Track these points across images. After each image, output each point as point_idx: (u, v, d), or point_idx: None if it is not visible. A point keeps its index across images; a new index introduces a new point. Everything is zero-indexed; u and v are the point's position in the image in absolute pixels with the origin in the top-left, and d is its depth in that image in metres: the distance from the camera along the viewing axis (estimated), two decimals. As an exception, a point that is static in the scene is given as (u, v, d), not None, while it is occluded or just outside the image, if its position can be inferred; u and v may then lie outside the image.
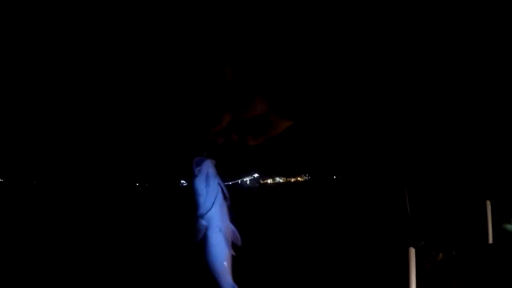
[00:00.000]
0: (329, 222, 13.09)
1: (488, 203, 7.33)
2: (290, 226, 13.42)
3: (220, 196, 0.78)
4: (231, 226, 0.79)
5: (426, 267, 5.44)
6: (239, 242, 0.79)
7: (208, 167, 0.79)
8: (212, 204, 0.77)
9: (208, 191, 0.77)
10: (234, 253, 0.79)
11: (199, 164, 0.78)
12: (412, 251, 4.07)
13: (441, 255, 6.03)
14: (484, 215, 7.18)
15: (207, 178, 0.77)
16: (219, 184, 0.79)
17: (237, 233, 0.79)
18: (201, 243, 0.78)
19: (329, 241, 9.05)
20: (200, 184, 0.77)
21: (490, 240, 7.04)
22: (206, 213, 0.76)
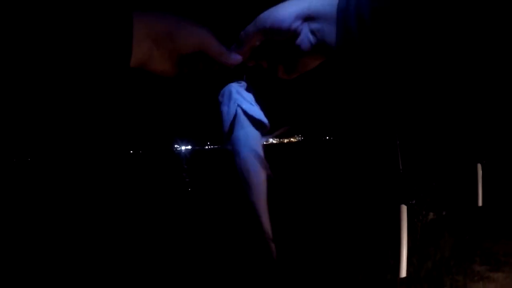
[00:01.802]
0: (323, 182, 13.23)
1: (479, 166, 7.39)
2: (284, 186, 13.52)
3: (243, 118, 0.72)
4: (257, 153, 0.71)
5: (417, 225, 5.53)
6: (267, 170, 0.72)
7: (230, 90, 0.73)
8: (230, 127, 0.72)
9: (228, 114, 0.72)
10: (269, 175, 0.72)
11: (224, 89, 0.74)
12: (404, 209, 4.10)
13: (431, 214, 6.13)
14: (475, 178, 7.25)
15: (228, 100, 0.73)
16: (239, 106, 0.72)
17: (264, 161, 0.71)
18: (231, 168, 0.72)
19: (323, 201, 9.15)
20: (222, 108, 0.73)
21: (480, 203, 7.15)
22: (227, 137, 0.72)
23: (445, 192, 7.29)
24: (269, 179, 0.72)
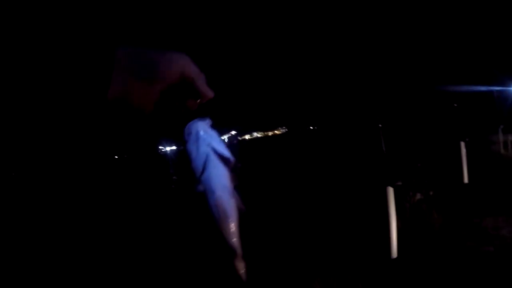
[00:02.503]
0: (310, 169, 13.25)
1: (463, 144, 7.47)
2: (271, 178, 13.53)
3: (214, 157, 0.74)
4: (230, 190, 0.75)
5: (405, 206, 5.53)
6: (241, 206, 0.76)
7: (197, 129, 0.76)
8: (203, 168, 0.73)
9: (198, 154, 0.74)
10: (242, 210, 0.76)
11: (190, 128, 0.76)
12: (390, 190, 4.09)
13: (419, 195, 6.15)
14: (459, 156, 7.33)
15: (196, 141, 0.75)
16: (209, 145, 0.74)
17: (237, 196, 0.75)
18: (204, 208, 0.75)
19: (311, 187, 9.14)
20: (190, 148, 0.75)
21: (466, 180, 7.23)
22: (200, 176, 0.74)
23: (431, 172, 7.34)
24: (241, 212, 0.75)
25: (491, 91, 15.71)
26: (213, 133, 0.76)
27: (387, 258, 3.97)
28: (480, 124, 15.32)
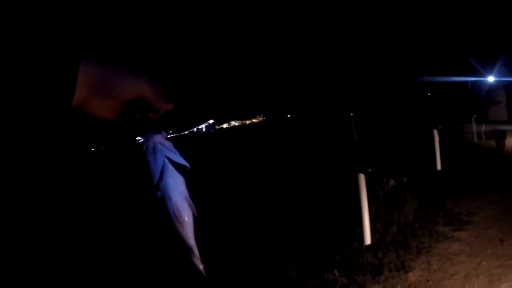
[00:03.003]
0: (286, 156, 13.20)
1: (436, 132, 7.49)
2: (247, 165, 13.43)
3: (170, 167, 0.82)
4: (185, 195, 0.83)
5: (379, 193, 5.48)
6: (194, 211, 0.84)
7: (154, 141, 0.83)
8: (160, 176, 0.82)
9: (156, 164, 0.82)
10: (194, 214, 0.84)
11: (147, 140, 0.84)
12: (362, 177, 3.99)
13: (392, 181, 6.12)
14: (432, 144, 7.34)
15: (153, 152, 0.83)
16: (166, 156, 0.82)
17: (191, 202, 0.83)
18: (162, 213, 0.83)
19: (287, 177, 9.07)
20: (148, 158, 0.83)
21: (439, 167, 7.26)
22: (157, 184, 0.82)
23: (405, 159, 7.34)
24: (194, 216, 0.84)
25: (466, 82, 15.94)
26: (168, 144, 0.84)
27: (361, 244, 3.88)
28: (454, 113, 15.56)
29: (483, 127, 10.89)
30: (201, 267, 0.85)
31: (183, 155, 0.84)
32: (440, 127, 8.69)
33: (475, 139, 10.99)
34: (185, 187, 0.83)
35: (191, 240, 0.83)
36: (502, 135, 7.80)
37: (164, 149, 0.83)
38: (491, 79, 8.66)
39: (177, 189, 0.82)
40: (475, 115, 11.06)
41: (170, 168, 0.82)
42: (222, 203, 7.03)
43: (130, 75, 0.73)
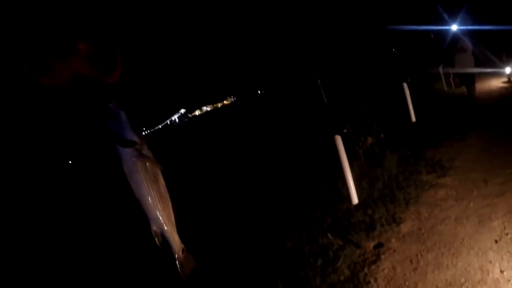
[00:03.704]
0: (262, 132, 13.16)
1: (405, 85, 7.52)
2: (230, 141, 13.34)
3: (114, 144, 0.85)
4: (133, 169, 0.85)
5: (359, 152, 5.48)
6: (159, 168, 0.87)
7: (104, 113, 0.85)
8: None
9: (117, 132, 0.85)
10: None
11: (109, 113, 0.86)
12: (338, 138, 3.96)
13: (370, 139, 6.13)
14: (403, 97, 7.37)
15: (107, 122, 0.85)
16: (110, 131, 0.85)
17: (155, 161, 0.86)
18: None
19: (269, 149, 9.03)
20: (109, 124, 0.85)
21: (413, 119, 7.32)
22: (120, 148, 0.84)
23: (379, 116, 7.36)
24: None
25: (428, 31, 16.00)
26: (117, 116, 0.86)
27: (350, 204, 3.88)
28: (420, 64, 15.67)
29: (450, 70, 10.99)
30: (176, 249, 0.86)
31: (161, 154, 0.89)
32: (408, 80, 8.73)
33: (445, 87, 11.11)
34: (133, 159, 0.85)
35: (156, 213, 0.83)
36: (471, 80, 7.88)
37: (111, 123, 0.85)
38: (454, 27, 8.66)
39: (124, 162, 0.85)
40: (441, 64, 11.15)
41: (118, 146, 0.86)
42: (213, 186, 6.99)
43: (65, 55, 0.72)
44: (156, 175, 0.86)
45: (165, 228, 0.83)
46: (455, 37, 8.09)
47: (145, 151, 0.86)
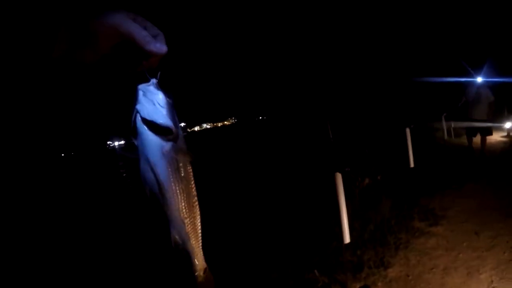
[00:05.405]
0: (261, 160, 13.18)
1: (408, 130, 7.62)
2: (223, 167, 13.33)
3: (141, 126, 0.70)
4: (154, 163, 0.69)
5: (355, 192, 5.51)
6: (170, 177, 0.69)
7: (138, 92, 0.71)
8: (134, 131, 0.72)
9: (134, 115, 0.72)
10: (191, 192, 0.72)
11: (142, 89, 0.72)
12: (339, 176, 4.00)
13: (367, 179, 6.18)
14: (405, 142, 7.46)
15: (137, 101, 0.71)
16: (137, 109, 0.70)
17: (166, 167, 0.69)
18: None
19: (264, 179, 9.03)
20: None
21: (412, 164, 7.38)
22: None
23: (378, 158, 7.43)
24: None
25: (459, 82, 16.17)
26: (153, 96, 0.70)
27: (340, 243, 3.89)
28: (424, 112, 15.88)
29: (452, 125, 11.14)
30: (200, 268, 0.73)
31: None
32: (412, 126, 8.86)
33: (445, 136, 11.24)
34: (160, 152, 0.69)
35: (180, 223, 0.69)
36: (487, 132, 7.98)
37: (142, 103, 0.69)
38: (479, 79, 8.74)
39: (144, 153, 0.69)
40: (444, 114, 11.31)
41: (141, 126, 0.69)
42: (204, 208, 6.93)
43: (105, 14, 0.64)
44: (187, 175, 0.71)
45: (190, 241, 0.70)
46: (473, 88, 8.18)
47: (181, 144, 0.71)
